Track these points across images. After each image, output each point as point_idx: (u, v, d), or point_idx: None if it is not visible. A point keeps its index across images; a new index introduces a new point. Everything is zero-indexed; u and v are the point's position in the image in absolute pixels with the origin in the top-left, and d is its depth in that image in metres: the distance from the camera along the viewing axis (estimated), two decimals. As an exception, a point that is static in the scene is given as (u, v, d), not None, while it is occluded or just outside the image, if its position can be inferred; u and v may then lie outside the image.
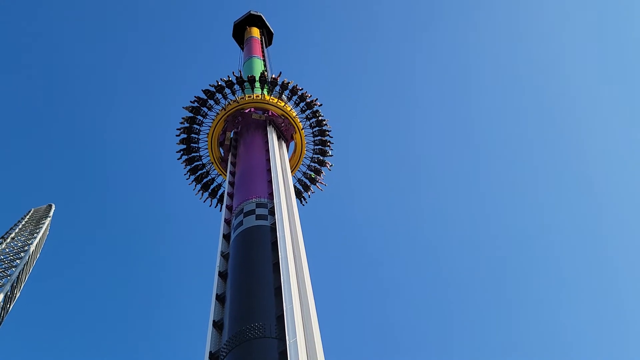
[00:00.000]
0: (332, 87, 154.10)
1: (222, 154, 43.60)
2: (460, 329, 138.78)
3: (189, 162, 45.06)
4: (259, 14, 72.84)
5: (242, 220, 28.84)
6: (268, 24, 73.02)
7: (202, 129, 44.52)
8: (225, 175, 40.60)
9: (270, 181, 32.28)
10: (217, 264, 26.93)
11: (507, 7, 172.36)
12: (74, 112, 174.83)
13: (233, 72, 45.07)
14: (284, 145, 41.43)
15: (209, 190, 45.70)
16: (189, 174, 45.53)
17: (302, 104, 45.15)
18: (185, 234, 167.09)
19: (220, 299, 24.23)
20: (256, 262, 25.25)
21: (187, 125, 44.39)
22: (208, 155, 44.54)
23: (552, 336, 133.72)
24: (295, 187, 42.64)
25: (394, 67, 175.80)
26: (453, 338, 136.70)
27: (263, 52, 62.62)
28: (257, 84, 44.97)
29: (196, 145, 44.70)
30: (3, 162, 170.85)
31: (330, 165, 46.48)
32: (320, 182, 46.75)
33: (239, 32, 71.63)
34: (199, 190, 45.68)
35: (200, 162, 45.00)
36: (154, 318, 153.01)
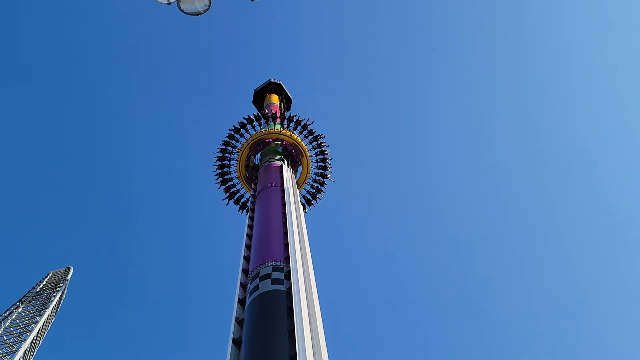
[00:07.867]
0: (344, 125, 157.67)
1: (247, 174, 53.93)
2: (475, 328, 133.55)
3: (221, 174, 55.44)
4: (278, 81, 74.54)
5: (257, 284, 28.37)
6: (287, 91, 74.64)
7: (234, 155, 54.82)
8: (250, 190, 50.44)
9: (287, 244, 32.00)
10: (231, 330, 26.26)
11: (514, 12, 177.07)
12: (94, 171, 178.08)
13: (260, 112, 56.28)
14: (301, 208, 41.66)
15: (234, 199, 55.48)
16: (221, 186, 55.44)
17: (309, 137, 55.41)
18: (204, 293, 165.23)
19: (233, 367, 23.49)
20: (271, 329, 24.56)
21: (224, 147, 55.15)
22: (236, 173, 54.85)
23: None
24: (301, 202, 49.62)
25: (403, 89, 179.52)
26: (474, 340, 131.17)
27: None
28: (278, 121, 56.14)
29: (228, 162, 55.08)
30: (25, 225, 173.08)
31: (330, 177, 56.28)
32: (322, 193, 55.84)
33: (259, 98, 73.23)
34: (228, 200, 55.33)
35: (229, 176, 55.17)
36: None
